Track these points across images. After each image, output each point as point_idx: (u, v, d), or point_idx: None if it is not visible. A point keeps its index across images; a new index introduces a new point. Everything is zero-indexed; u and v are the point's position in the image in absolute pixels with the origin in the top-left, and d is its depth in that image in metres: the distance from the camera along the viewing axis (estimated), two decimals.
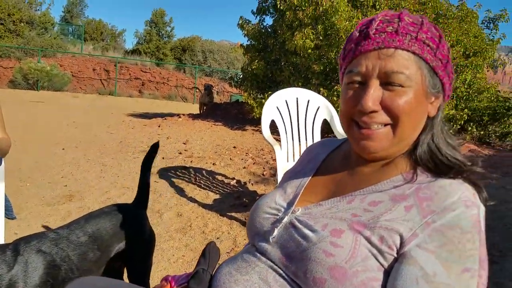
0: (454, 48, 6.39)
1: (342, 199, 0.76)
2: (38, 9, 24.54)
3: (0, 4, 18.93)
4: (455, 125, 6.30)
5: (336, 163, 0.88)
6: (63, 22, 28.08)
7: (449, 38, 6.31)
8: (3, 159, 1.81)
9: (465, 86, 6.59)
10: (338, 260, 0.66)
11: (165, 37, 26.35)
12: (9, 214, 1.79)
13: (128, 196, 3.36)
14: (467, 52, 6.78)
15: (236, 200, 3.35)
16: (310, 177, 0.88)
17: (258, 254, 0.78)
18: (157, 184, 3.77)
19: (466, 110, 6.35)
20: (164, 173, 4.16)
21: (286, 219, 0.78)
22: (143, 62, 22.24)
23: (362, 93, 0.72)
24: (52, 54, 19.76)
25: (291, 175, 0.94)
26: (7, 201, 1.76)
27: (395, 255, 0.66)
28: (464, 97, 6.60)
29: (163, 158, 4.89)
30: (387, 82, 0.70)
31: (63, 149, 5.18)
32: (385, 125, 0.72)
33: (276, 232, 0.77)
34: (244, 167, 4.38)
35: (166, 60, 23.96)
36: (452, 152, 0.74)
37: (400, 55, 0.70)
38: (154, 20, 25.89)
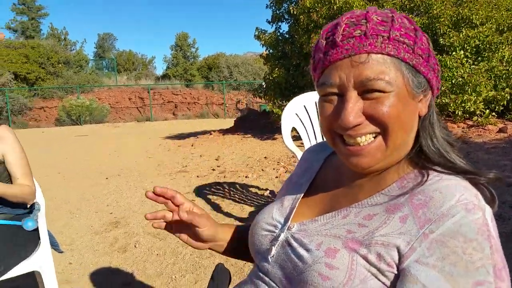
0: (484, 26, 6.15)
1: (337, 214, 0.70)
2: (73, 49, 26.09)
3: (39, 50, 20.32)
4: (497, 107, 6.04)
5: (331, 173, 0.83)
6: (96, 58, 29.62)
7: (477, 16, 6.09)
8: (42, 195, 1.98)
9: (504, 64, 6.31)
10: (335, 284, 0.61)
11: (191, 58, 27.14)
12: (56, 248, 1.97)
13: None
14: (500, 28, 6.49)
15: None
16: (305, 190, 0.83)
17: (261, 275, 0.76)
18: (194, 203, 3.93)
19: (507, 89, 6.08)
20: (200, 191, 4.33)
21: (282, 237, 0.74)
22: (173, 86, 23.03)
23: (341, 106, 0.64)
24: (90, 89, 20.92)
25: (288, 186, 0.90)
26: (51, 237, 1.93)
27: (396, 272, 0.60)
28: (504, 76, 6.30)
29: (197, 176, 5.07)
30: (365, 90, 0.63)
31: (107, 178, 5.50)
32: (375, 136, 0.65)
33: (274, 251, 0.74)
34: (276, 177, 4.46)
35: (195, 80, 24.68)
36: (455, 155, 0.69)
37: (374, 60, 0.62)
38: (178, 43, 26.75)
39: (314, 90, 0.75)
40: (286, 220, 0.78)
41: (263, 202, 3.75)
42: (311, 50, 0.73)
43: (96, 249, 2.96)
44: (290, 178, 0.93)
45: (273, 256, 0.74)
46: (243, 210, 3.56)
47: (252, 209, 3.58)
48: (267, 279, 0.74)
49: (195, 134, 10.30)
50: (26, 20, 29.50)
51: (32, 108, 19.67)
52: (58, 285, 1.90)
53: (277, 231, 0.77)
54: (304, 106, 2.95)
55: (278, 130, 8.27)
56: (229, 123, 11.72)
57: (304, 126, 2.92)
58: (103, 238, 3.19)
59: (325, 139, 0.75)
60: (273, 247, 0.74)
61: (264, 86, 9.04)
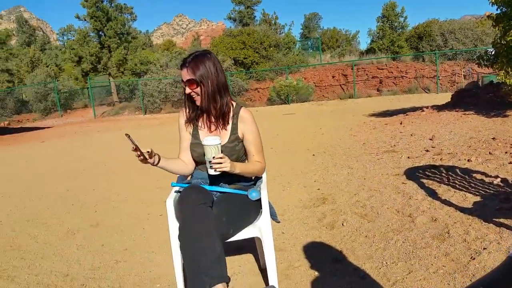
0: None
1: None
2: (282, 32, 28.18)
3: (254, 36, 22.78)
4: None
5: None
6: (302, 39, 31.17)
7: None
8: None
9: None
10: None
11: (399, 29, 25.34)
12: (274, 218, 2.09)
13: (376, 199, 3.37)
14: None
15: (503, 203, 2.84)
16: None
17: None
18: (405, 186, 3.62)
19: None
20: (411, 174, 3.96)
21: None
22: (378, 60, 22.07)
23: None
24: (297, 70, 22.23)
25: None
26: (271, 207, 2.05)
27: None
28: None
29: (408, 157, 4.67)
30: None
31: (313, 155, 5.70)
32: None
33: None
34: (510, 162, 3.67)
35: (402, 52, 22.99)
36: None
37: None
38: (385, 14, 25.33)
39: None
40: None
41: (491, 191, 3.13)
42: None
43: (306, 222, 3.07)
44: None
45: None
46: (466, 199, 3.05)
47: (477, 198, 3.04)
48: None
49: (403, 111, 9.62)
50: (243, 9, 33.44)
51: (248, 89, 22.35)
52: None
53: None
54: None
55: (510, 105, 6.87)
56: (442, 98, 10.46)
57: None
58: (312, 212, 3.29)
59: None
60: None
61: (493, 52, 7.55)
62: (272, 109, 17.82)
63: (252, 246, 2.63)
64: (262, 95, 21.88)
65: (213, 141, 1.75)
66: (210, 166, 1.77)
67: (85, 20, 26.41)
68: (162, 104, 22.16)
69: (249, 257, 2.53)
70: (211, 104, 1.93)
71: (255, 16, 33.63)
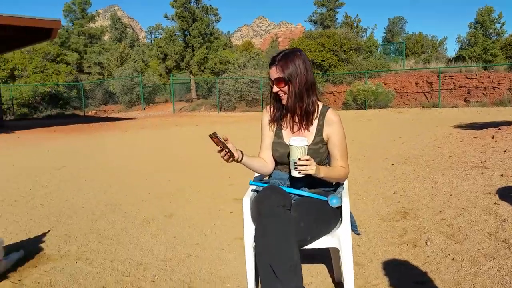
0: None
1: None
2: (363, 35, 27.28)
3: (334, 38, 22.33)
4: None
5: None
6: (384, 42, 29.92)
7: None
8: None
9: None
10: None
11: (494, 36, 23.20)
12: (354, 229, 1.93)
13: (465, 218, 3.03)
14: None
15: None
16: None
17: None
18: (497, 207, 3.22)
19: None
20: (505, 194, 3.52)
21: None
22: (467, 68, 20.38)
23: None
24: (377, 74, 21.34)
25: None
26: (352, 217, 1.90)
27: None
28: None
29: (501, 175, 4.18)
30: None
31: (392, 164, 5.36)
32: None
33: None
34: None
35: (496, 61, 20.99)
36: None
37: None
38: (479, 20, 23.34)
39: None
40: None
41: None
42: None
43: (384, 237, 2.85)
44: None
45: None
46: None
47: None
48: None
49: (494, 125, 8.73)
50: (325, 11, 33.01)
51: (323, 92, 21.95)
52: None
53: None
54: None
55: None
56: None
57: None
58: (391, 226, 3.05)
59: None
60: None
61: None
62: (348, 114, 17.29)
63: (324, 256, 2.49)
64: (338, 99, 21.35)
65: (300, 142, 1.66)
66: (295, 168, 1.67)
67: (172, 19, 27.95)
68: (236, 102, 22.65)
69: (321, 268, 2.39)
70: (297, 104, 1.85)
71: (336, 19, 33.07)
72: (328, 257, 2.48)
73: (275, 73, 1.82)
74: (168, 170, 5.71)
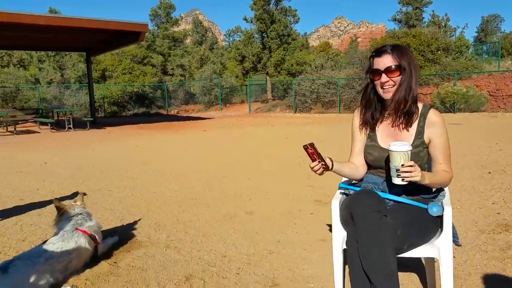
0: None
1: None
2: (453, 35, 25.37)
3: (420, 38, 21.07)
4: None
5: None
6: (477, 43, 27.55)
7: None
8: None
9: None
10: None
11: None
12: (455, 240, 1.76)
13: None
14: None
15: None
16: None
17: None
18: None
19: None
20: None
21: None
22: None
23: None
24: (468, 76, 19.68)
25: None
26: (453, 227, 1.73)
27: None
28: None
29: None
30: None
31: (489, 172, 4.87)
32: None
33: None
34: None
35: None
36: None
37: None
38: None
39: None
40: None
41: None
42: None
43: (484, 249, 2.58)
44: None
45: None
46: None
47: None
48: None
49: None
50: (410, 10, 31.30)
51: None
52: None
53: None
54: None
55: None
56: None
57: None
58: (491, 239, 2.76)
59: None
60: None
61: None
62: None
63: (416, 265, 2.32)
64: (424, 101, 19.63)
65: (402, 147, 1.53)
66: (398, 175, 1.55)
67: (251, 22, 28.53)
68: (312, 104, 22.41)
69: (413, 277, 2.23)
70: (406, 97, 1.72)
71: (423, 18, 31.22)
72: (419, 266, 2.31)
73: (389, 61, 1.70)
74: (246, 168, 5.80)
